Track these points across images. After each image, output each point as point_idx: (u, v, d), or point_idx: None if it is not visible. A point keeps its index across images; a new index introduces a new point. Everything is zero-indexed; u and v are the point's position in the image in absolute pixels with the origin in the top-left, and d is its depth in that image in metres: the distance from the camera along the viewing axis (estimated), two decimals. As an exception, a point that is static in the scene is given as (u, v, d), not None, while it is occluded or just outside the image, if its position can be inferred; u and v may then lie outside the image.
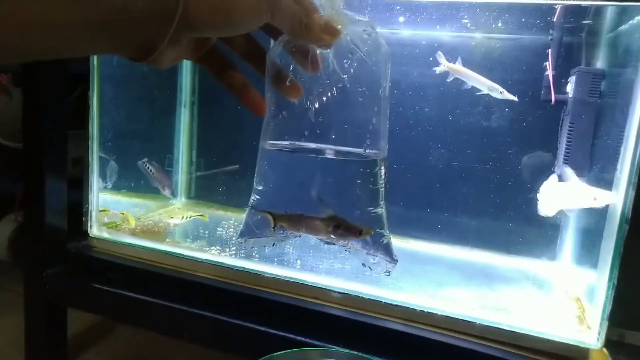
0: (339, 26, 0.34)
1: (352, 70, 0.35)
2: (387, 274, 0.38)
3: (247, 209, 0.41)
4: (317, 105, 0.35)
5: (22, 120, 0.82)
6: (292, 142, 0.38)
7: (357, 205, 0.38)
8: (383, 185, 0.38)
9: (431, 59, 0.87)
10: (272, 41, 0.37)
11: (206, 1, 0.28)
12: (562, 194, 0.73)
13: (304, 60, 0.35)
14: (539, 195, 0.77)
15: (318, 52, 0.35)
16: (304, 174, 0.38)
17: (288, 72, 0.36)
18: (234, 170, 1.09)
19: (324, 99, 0.35)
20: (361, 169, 0.38)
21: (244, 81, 0.37)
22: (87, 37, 0.26)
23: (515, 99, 0.82)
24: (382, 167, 0.38)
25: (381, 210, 0.38)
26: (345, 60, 0.35)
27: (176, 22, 0.27)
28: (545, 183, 0.76)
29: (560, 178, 0.76)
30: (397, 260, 0.38)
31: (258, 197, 0.40)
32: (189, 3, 0.27)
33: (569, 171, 0.74)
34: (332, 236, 0.36)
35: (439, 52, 0.85)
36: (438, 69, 0.85)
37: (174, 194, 1.12)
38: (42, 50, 0.26)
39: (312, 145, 0.37)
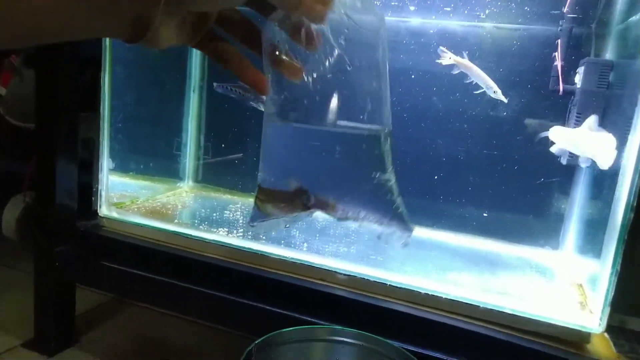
0: None
1: (349, 41, 0.35)
2: (405, 245, 0.38)
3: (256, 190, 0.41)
4: (317, 80, 0.35)
5: (35, 102, 0.83)
6: (294, 118, 0.38)
7: (364, 172, 0.37)
8: (389, 154, 0.38)
9: (438, 47, 0.87)
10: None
11: None
12: (570, 136, 0.72)
13: (298, 37, 0.34)
14: (550, 132, 0.76)
15: (313, 27, 0.34)
16: (307, 148, 0.38)
17: (285, 50, 0.35)
18: (239, 157, 1.10)
19: (323, 73, 0.35)
20: (365, 137, 0.38)
21: (243, 60, 0.37)
22: (80, 18, 0.26)
23: (505, 100, 0.83)
24: (387, 138, 0.38)
25: (389, 177, 0.38)
26: (340, 33, 0.34)
27: None
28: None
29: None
30: (412, 229, 0.38)
31: (263, 173, 0.40)
32: None
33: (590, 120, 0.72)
34: (307, 206, 0.36)
35: (441, 47, 0.85)
36: (443, 61, 0.85)
37: (181, 178, 1.13)
38: (36, 35, 0.26)
39: (314, 119, 0.37)
